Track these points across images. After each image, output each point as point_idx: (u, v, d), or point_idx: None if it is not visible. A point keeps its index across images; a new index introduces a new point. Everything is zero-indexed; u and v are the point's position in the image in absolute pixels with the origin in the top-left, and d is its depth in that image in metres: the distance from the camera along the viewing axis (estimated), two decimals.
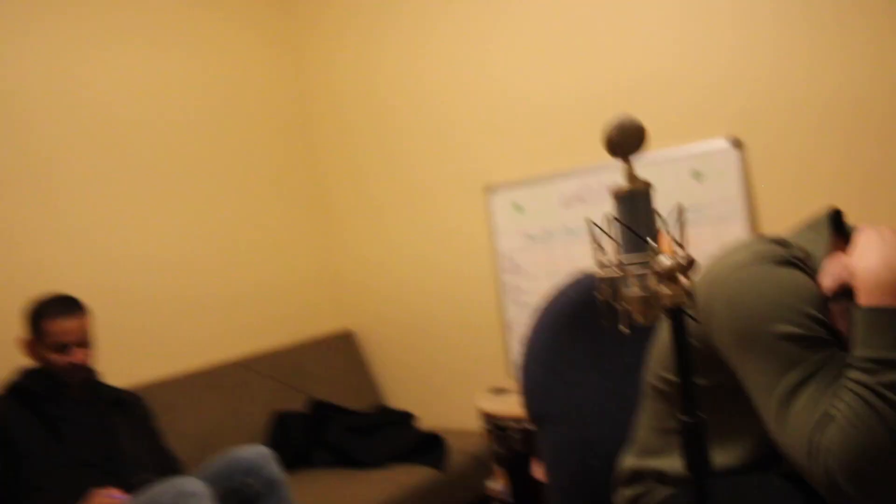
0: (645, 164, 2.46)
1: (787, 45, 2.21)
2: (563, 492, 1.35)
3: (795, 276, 1.08)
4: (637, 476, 1.27)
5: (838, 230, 1.19)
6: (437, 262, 3.07)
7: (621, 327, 0.76)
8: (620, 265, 0.72)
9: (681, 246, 0.74)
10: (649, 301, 0.70)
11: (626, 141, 0.76)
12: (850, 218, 2.15)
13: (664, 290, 0.68)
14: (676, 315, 0.68)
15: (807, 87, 2.19)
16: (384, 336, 3.27)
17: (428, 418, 3.08)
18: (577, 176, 2.63)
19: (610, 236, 0.77)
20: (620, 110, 2.52)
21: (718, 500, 1.10)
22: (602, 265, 0.76)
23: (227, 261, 3.01)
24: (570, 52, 2.62)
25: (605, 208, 2.56)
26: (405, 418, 2.89)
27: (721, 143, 2.33)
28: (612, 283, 0.74)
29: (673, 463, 1.22)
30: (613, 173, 2.54)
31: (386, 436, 2.68)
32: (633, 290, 0.73)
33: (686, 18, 2.37)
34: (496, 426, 2.16)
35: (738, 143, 2.30)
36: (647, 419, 1.28)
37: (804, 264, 1.13)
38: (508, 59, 2.77)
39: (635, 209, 0.75)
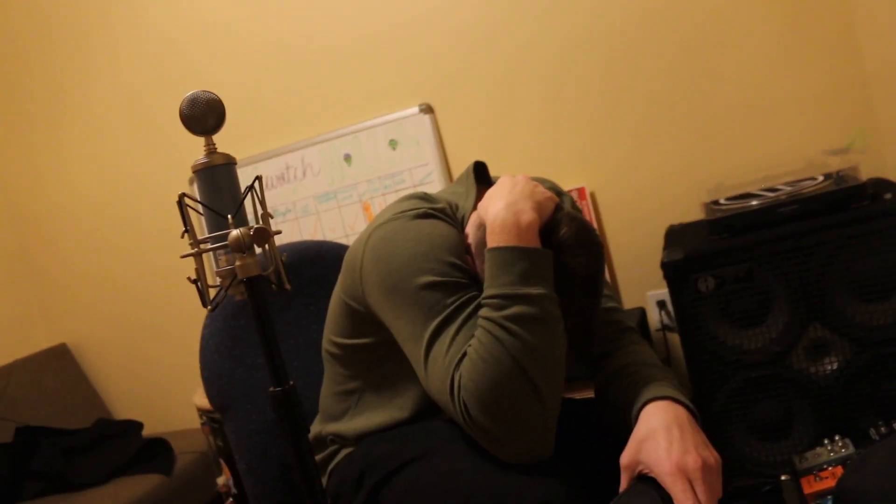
0: (343, 138, 2.48)
1: (469, 15, 2.33)
2: (254, 476, 1.33)
3: (435, 227, 1.11)
4: (319, 442, 1.28)
5: (487, 182, 1.28)
6: (142, 261, 2.87)
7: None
8: (196, 242, 0.70)
9: (263, 216, 0.73)
10: (229, 275, 0.69)
11: (199, 115, 0.74)
12: (533, 170, 2.35)
13: (238, 262, 0.67)
14: (253, 286, 0.67)
15: (487, 54, 2.33)
16: (102, 344, 3.02)
17: (156, 425, 2.90)
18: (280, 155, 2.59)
19: (199, 213, 0.75)
20: (312, 89, 2.51)
21: (380, 451, 1.14)
22: (191, 244, 0.73)
23: None
24: (255, 30, 2.55)
25: (311, 186, 2.55)
26: (130, 429, 2.69)
27: (413, 111, 2.41)
28: (200, 261, 0.72)
29: (351, 424, 1.24)
30: (316, 148, 2.53)
31: (106, 451, 2.47)
32: (221, 266, 0.72)
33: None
34: (211, 420, 2.09)
35: (428, 109, 2.40)
36: (328, 385, 1.29)
37: (450, 216, 1.19)
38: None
39: (216, 185, 0.73)
